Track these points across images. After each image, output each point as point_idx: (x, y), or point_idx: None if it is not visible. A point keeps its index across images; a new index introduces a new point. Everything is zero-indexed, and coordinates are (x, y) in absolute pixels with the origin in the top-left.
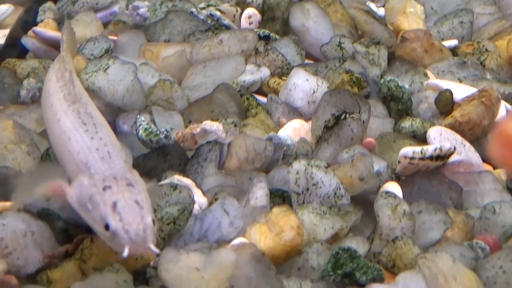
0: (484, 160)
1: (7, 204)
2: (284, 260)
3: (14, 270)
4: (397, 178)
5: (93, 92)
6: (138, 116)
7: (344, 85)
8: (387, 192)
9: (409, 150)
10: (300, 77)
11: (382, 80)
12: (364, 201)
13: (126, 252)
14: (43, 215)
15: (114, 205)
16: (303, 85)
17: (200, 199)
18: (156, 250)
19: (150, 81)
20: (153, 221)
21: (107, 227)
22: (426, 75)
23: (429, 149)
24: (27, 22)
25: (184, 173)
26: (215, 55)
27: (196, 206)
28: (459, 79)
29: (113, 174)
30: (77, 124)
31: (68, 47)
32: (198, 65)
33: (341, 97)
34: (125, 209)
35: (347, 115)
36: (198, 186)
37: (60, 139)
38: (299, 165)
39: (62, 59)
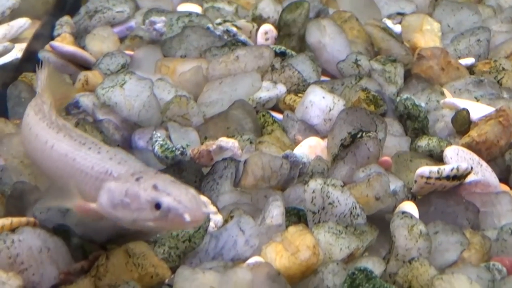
0: (501, 180)
1: (23, 219)
2: (300, 280)
3: (29, 286)
4: (413, 197)
5: (109, 108)
6: (154, 132)
7: (360, 103)
8: (403, 212)
9: (425, 169)
10: (317, 94)
11: (399, 98)
12: (380, 221)
13: (188, 219)
14: (59, 231)
15: (155, 186)
16: (320, 102)
17: (216, 217)
18: (213, 210)
19: (166, 97)
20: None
21: (157, 206)
22: (442, 93)
23: (446, 169)
24: (44, 36)
25: (199, 190)
26: (232, 71)
27: (211, 224)
28: (475, 98)
29: (138, 169)
30: (76, 145)
31: (46, 87)
32: (214, 81)
33: (358, 115)
34: (168, 185)
35: (364, 134)
36: (214, 203)
37: (61, 163)
38: (315, 184)
39: (38, 96)
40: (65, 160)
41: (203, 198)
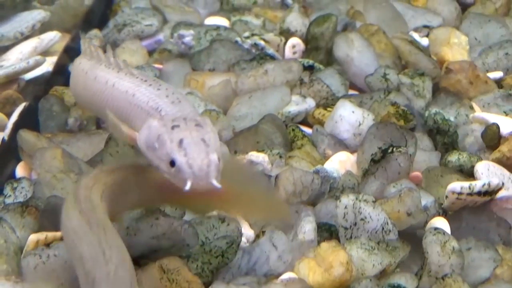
0: None
1: (58, 234)
2: None
3: None
4: (444, 213)
5: None
6: None
7: (390, 118)
8: (436, 228)
9: (457, 185)
10: (346, 109)
11: (427, 112)
12: (411, 236)
13: (188, 186)
14: None
15: (180, 142)
16: (349, 117)
17: (247, 232)
18: (219, 186)
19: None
20: (218, 159)
21: (172, 163)
22: (471, 107)
23: (477, 185)
24: (74, 49)
25: None
26: (260, 85)
27: (243, 239)
28: (504, 112)
29: (183, 116)
30: (138, 81)
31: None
32: (243, 95)
33: (388, 130)
34: (191, 145)
35: (394, 149)
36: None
37: (121, 101)
38: (347, 200)
39: (87, 46)
40: (125, 96)
41: (216, 173)
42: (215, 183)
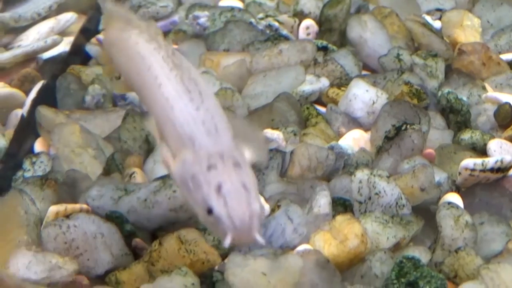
0: None
1: (77, 206)
2: (347, 268)
3: (84, 271)
4: (457, 189)
5: None
6: None
7: (403, 97)
8: (449, 203)
9: (470, 162)
10: (360, 87)
11: (440, 92)
12: (424, 211)
13: (228, 241)
14: (111, 217)
15: (219, 188)
16: (363, 95)
17: (264, 206)
18: (262, 240)
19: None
20: (260, 208)
21: (210, 211)
22: (484, 88)
23: (490, 161)
24: (90, 30)
25: None
26: (275, 64)
27: None
28: None
29: (220, 151)
30: (181, 91)
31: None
32: (258, 74)
33: (402, 108)
34: (231, 193)
35: (408, 126)
36: (260, 192)
37: (161, 107)
38: (362, 174)
39: (145, 25)
40: (165, 104)
41: (258, 225)
42: (259, 238)
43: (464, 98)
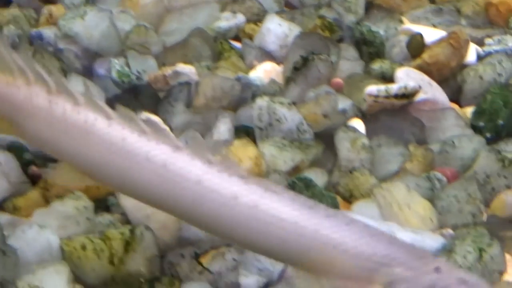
0: (452, 101)
1: None
2: None
3: None
4: (363, 116)
5: (70, 38)
6: (112, 59)
7: (316, 30)
8: (347, 126)
9: (374, 88)
10: (274, 22)
11: (354, 25)
12: (329, 138)
13: None
14: (12, 147)
15: (463, 281)
16: (276, 29)
17: None
18: None
19: (128, 28)
20: None
21: None
22: (401, 21)
23: (394, 88)
24: None
25: (155, 112)
26: (192, 2)
27: None
28: (433, 25)
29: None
30: (313, 215)
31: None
32: (175, 12)
33: (311, 40)
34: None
35: (315, 57)
36: (167, 123)
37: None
38: (262, 101)
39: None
40: (302, 241)
41: None
42: None
43: (381, 31)
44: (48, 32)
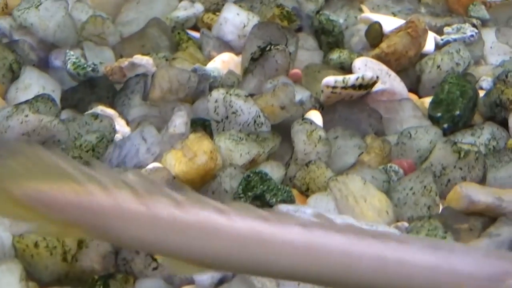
0: (411, 91)
1: None
2: (201, 185)
3: None
4: (321, 107)
5: (25, 29)
6: (67, 51)
7: (274, 19)
8: (303, 119)
9: (331, 79)
10: (231, 11)
11: (313, 14)
12: (287, 130)
13: None
14: None
15: None
16: (234, 19)
17: (123, 129)
18: None
19: (84, 18)
20: None
21: None
22: (361, 9)
23: (351, 78)
24: None
25: (112, 105)
26: None
27: (119, 136)
28: (393, 13)
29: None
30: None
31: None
32: (132, 1)
33: (269, 30)
34: None
35: (272, 47)
36: (124, 116)
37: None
38: (217, 94)
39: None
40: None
41: None
42: None
43: (341, 20)
44: (3, 23)
